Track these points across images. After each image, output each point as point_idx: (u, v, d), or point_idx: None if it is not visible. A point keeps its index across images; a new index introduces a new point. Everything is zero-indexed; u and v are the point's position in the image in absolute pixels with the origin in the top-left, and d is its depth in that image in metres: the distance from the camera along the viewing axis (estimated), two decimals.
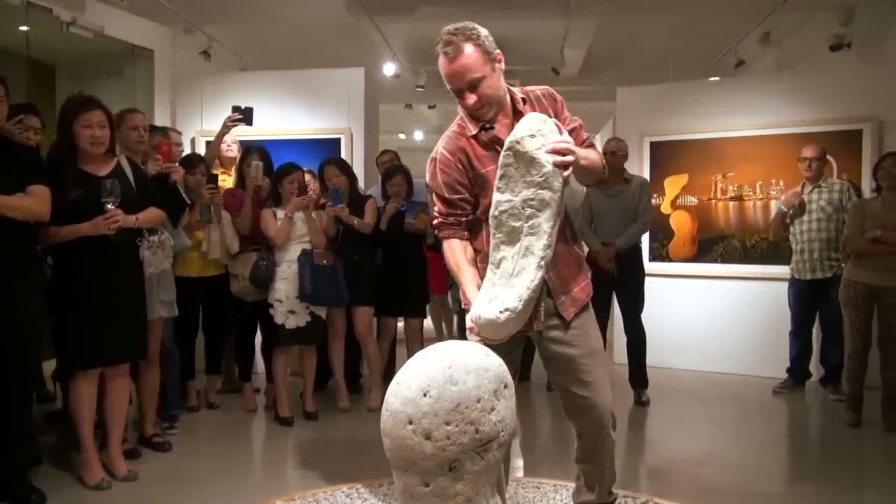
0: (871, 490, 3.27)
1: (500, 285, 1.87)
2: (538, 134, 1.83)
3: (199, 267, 4.09)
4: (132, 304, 3.12)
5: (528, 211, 1.84)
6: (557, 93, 2.17)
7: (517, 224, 1.86)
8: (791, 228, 4.72)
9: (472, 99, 1.98)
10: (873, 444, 3.82)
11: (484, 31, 1.98)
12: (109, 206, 2.87)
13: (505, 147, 1.86)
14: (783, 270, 4.73)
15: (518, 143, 1.83)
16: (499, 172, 1.88)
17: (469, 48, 1.94)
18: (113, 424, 3.16)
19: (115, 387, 3.12)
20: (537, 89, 2.13)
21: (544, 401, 4.65)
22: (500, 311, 1.83)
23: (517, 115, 2.05)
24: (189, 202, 3.81)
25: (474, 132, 2.07)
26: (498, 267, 1.89)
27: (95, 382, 3.05)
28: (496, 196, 1.89)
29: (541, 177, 1.82)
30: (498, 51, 2.00)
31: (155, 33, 5.52)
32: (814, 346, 4.87)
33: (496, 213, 1.88)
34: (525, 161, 1.83)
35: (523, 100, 2.09)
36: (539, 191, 1.83)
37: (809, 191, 4.64)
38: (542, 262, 1.85)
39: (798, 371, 4.81)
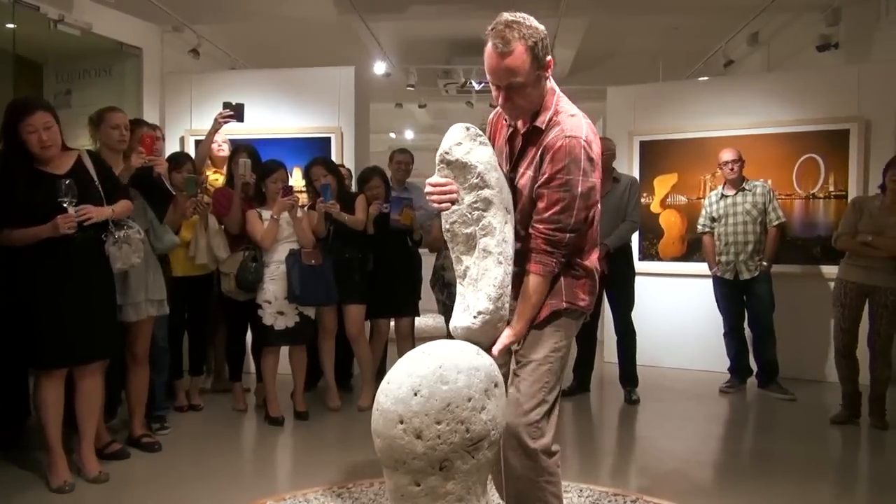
0: (861, 487, 3.30)
1: (469, 293, 1.90)
2: (464, 140, 1.88)
3: (184, 266, 4.07)
4: (98, 304, 3.04)
5: (476, 214, 1.88)
6: (582, 150, 1.86)
7: (469, 230, 1.89)
8: (716, 230, 4.77)
9: (503, 99, 1.90)
10: (860, 441, 3.85)
11: (541, 33, 1.84)
12: (66, 206, 2.82)
13: (437, 161, 1.89)
14: (774, 269, 4.74)
15: (447, 153, 1.88)
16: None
17: (520, 50, 1.80)
18: (83, 425, 3.10)
19: (85, 387, 3.07)
20: (564, 139, 1.86)
21: None
22: (474, 317, 1.85)
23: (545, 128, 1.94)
24: (173, 194, 3.77)
25: None
26: (464, 277, 1.93)
27: (61, 383, 2.99)
28: (443, 211, 1.93)
29: (476, 178, 1.86)
30: (549, 57, 1.88)
31: (143, 31, 5.50)
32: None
33: (447, 226, 1.92)
34: (458, 168, 1.88)
35: (550, 123, 1.93)
36: (479, 191, 1.87)
37: (733, 193, 4.70)
38: (501, 258, 1.88)
39: (739, 369, 4.86)
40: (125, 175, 3.40)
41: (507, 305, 1.90)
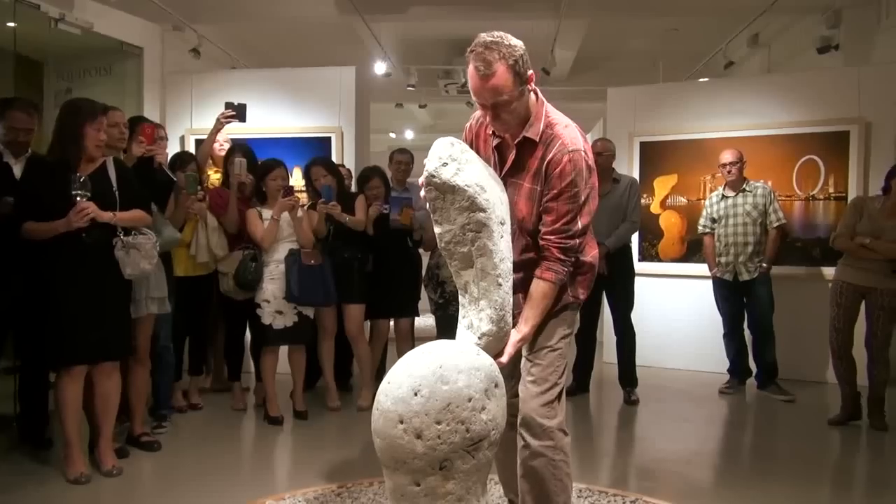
0: (859, 488, 3.30)
1: (471, 310, 1.94)
2: (450, 160, 1.86)
3: (185, 266, 4.07)
4: (112, 303, 3.08)
5: (470, 235, 1.89)
6: (584, 162, 1.94)
7: (465, 249, 1.91)
8: (716, 231, 4.78)
9: (491, 117, 1.95)
10: (859, 442, 3.85)
11: (520, 50, 1.89)
12: (78, 199, 2.86)
13: (424, 184, 1.90)
14: (774, 270, 4.75)
15: (434, 176, 1.86)
16: (429, 206, 1.94)
17: (502, 70, 1.85)
18: (101, 424, 3.15)
19: (102, 387, 3.11)
20: (568, 154, 1.93)
21: None
22: (479, 337, 1.91)
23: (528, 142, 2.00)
24: (174, 179, 3.75)
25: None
26: (466, 291, 1.96)
27: (81, 380, 3.04)
28: (437, 229, 1.94)
29: (466, 200, 1.85)
30: (531, 71, 1.93)
31: (144, 31, 5.49)
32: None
33: (443, 244, 1.94)
34: (447, 190, 1.87)
35: (545, 135, 1.98)
36: (471, 213, 1.86)
37: (734, 195, 4.70)
38: (500, 279, 1.90)
39: (739, 371, 4.86)
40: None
41: (510, 321, 1.95)
